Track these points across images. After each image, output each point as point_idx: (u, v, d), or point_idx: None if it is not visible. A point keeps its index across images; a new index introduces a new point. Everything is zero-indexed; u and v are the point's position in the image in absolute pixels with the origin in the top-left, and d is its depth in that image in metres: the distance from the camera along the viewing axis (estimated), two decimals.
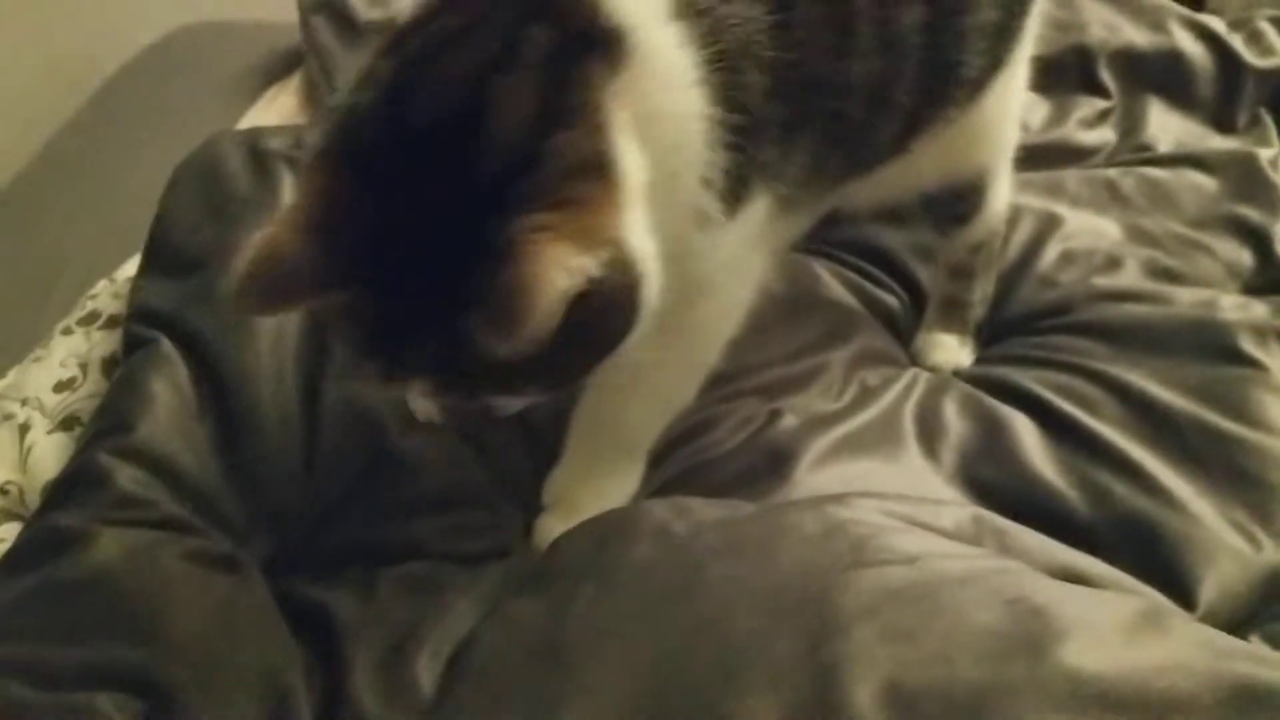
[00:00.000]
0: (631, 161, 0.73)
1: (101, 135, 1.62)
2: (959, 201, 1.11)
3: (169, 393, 0.99)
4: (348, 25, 1.60)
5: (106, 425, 0.99)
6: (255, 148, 1.21)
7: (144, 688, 0.78)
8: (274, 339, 1.05)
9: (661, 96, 0.76)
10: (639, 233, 0.74)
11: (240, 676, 0.81)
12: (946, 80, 0.96)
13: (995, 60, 0.99)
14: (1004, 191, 1.15)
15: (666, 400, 0.98)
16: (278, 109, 1.63)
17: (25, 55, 1.77)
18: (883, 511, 0.84)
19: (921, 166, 1.05)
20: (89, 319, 1.19)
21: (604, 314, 0.72)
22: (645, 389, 0.95)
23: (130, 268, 1.21)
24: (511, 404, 0.84)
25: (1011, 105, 1.10)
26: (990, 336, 1.18)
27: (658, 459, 1.00)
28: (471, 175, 0.69)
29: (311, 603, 0.89)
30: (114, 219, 1.40)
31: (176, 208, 1.16)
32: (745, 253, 0.90)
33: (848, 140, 0.91)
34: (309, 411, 1.03)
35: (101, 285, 1.24)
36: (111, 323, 1.18)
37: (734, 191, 0.81)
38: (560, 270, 0.65)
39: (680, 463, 1.01)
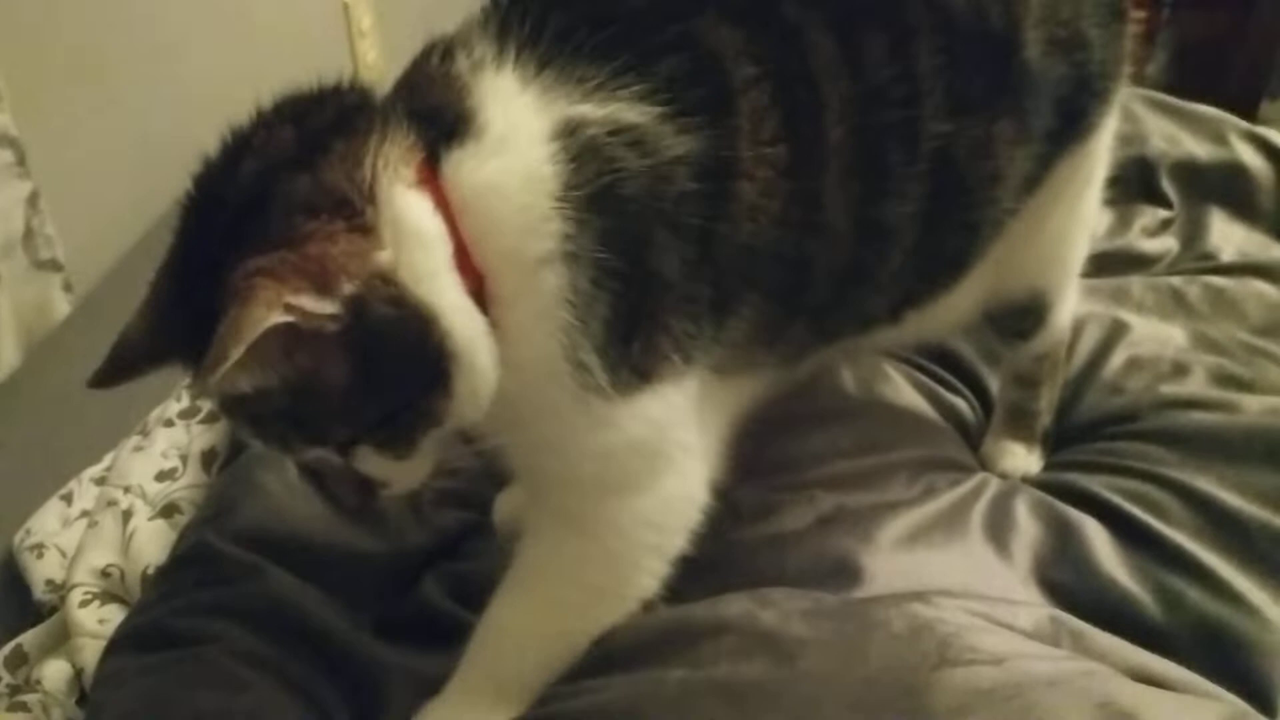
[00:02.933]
0: (414, 213, 0.72)
1: None
2: (1021, 319, 1.09)
3: (278, 484, 1.03)
4: None
5: (214, 511, 1.03)
6: None
7: None
8: None
9: (502, 179, 0.74)
10: (433, 284, 0.72)
11: None
12: (955, 257, 0.93)
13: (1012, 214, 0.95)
14: (1069, 306, 1.14)
15: (568, 625, 0.88)
16: None
17: None
18: (964, 610, 0.85)
19: (965, 301, 1.00)
20: (189, 413, 1.24)
21: (381, 348, 0.70)
22: (549, 602, 0.88)
23: None
24: (384, 473, 0.79)
25: (1075, 226, 1.07)
26: (1057, 442, 1.19)
27: (724, 546, 0.95)
28: (219, 223, 0.71)
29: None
30: None
31: None
32: (670, 434, 0.83)
33: (810, 314, 0.88)
34: None
35: None
36: (211, 418, 1.23)
37: (629, 353, 0.77)
38: (264, 309, 0.65)
39: (747, 546, 0.99)
